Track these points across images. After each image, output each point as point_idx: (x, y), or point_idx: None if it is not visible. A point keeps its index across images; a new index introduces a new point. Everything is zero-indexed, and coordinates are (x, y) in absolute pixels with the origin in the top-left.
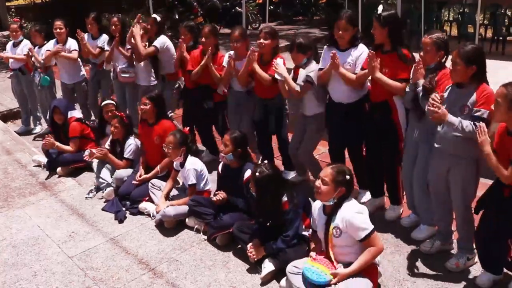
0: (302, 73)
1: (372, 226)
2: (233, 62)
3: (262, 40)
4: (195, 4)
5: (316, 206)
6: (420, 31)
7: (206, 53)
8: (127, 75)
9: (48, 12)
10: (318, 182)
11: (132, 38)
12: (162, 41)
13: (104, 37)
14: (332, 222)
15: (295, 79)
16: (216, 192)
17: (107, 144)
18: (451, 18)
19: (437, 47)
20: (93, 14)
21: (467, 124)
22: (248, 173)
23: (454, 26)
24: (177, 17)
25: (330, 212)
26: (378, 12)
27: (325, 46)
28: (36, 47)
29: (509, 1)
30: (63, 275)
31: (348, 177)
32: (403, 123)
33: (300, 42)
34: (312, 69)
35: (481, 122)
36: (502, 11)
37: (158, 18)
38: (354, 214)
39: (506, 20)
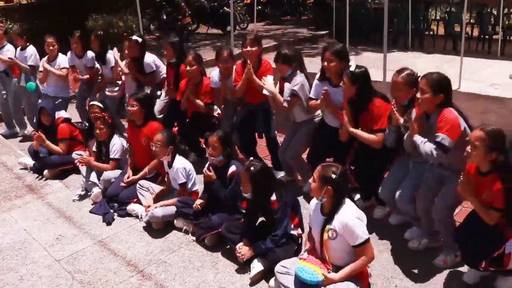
0: (287, 87)
1: (368, 235)
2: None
3: (249, 48)
4: (182, 4)
5: (313, 203)
6: (408, 30)
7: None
8: (113, 94)
9: (34, 13)
10: (311, 178)
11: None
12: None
13: (90, 54)
14: (329, 223)
15: (281, 91)
16: (196, 203)
17: (93, 147)
18: (438, 17)
19: (409, 85)
20: (77, 33)
21: (427, 149)
22: (232, 168)
23: (441, 25)
24: (164, 17)
25: (327, 213)
26: (351, 69)
27: (316, 80)
28: (18, 49)
29: (495, 1)
30: (50, 279)
31: (334, 176)
32: None
33: (286, 53)
34: (297, 82)
35: (439, 150)
36: (488, 10)
37: (139, 40)
38: (354, 218)
39: (492, 19)
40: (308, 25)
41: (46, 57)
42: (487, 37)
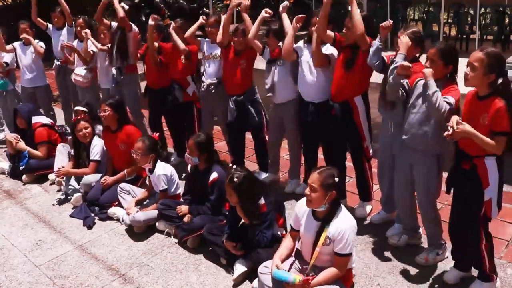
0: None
1: (353, 250)
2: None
3: (240, 38)
4: (162, 5)
5: (302, 205)
6: None
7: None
8: (80, 79)
9: (10, 15)
10: (307, 190)
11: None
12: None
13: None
14: (325, 229)
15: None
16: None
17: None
18: (416, 17)
19: (415, 44)
20: (59, 8)
21: (439, 98)
22: (214, 175)
23: (419, 25)
24: (143, 19)
25: (323, 219)
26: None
27: (301, 43)
28: None
29: (472, 0)
30: (30, 285)
31: (337, 179)
32: (365, 122)
33: (276, 28)
34: None
35: (448, 105)
36: (465, 10)
37: (126, 7)
38: (351, 227)
39: (469, 19)
40: None
41: (19, 43)
42: (464, 36)
